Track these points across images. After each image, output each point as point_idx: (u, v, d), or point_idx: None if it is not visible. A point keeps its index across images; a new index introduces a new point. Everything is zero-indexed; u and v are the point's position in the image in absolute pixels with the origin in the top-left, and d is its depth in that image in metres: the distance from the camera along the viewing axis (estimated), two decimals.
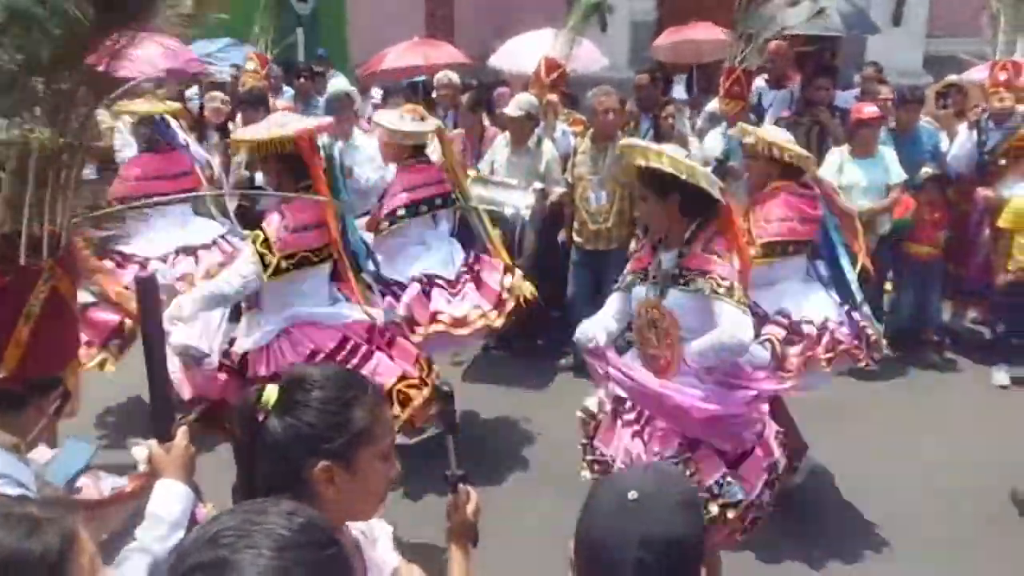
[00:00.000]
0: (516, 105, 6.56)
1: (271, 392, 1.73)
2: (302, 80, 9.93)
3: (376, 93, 9.76)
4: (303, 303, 4.12)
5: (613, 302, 3.75)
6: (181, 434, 2.21)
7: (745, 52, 6.44)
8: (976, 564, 4.30)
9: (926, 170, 6.79)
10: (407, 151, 5.32)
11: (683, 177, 3.32)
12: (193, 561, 1.21)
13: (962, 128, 7.23)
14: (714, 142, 6.91)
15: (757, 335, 3.92)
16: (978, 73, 8.17)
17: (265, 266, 3.93)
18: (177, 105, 6.75)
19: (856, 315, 4.66)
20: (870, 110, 6.68)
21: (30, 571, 1.34)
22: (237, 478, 1.79)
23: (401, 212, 5.15)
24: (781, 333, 4.40)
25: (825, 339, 4.45)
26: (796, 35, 8.30)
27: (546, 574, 4.14)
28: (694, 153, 6.70)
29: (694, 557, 1.59)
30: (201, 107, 8.38)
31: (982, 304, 7.26)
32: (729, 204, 3.47)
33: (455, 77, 8.62)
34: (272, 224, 3.99)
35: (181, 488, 2.11)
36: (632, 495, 1.56)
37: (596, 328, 3.61)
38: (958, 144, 7.11)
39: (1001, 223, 6.44)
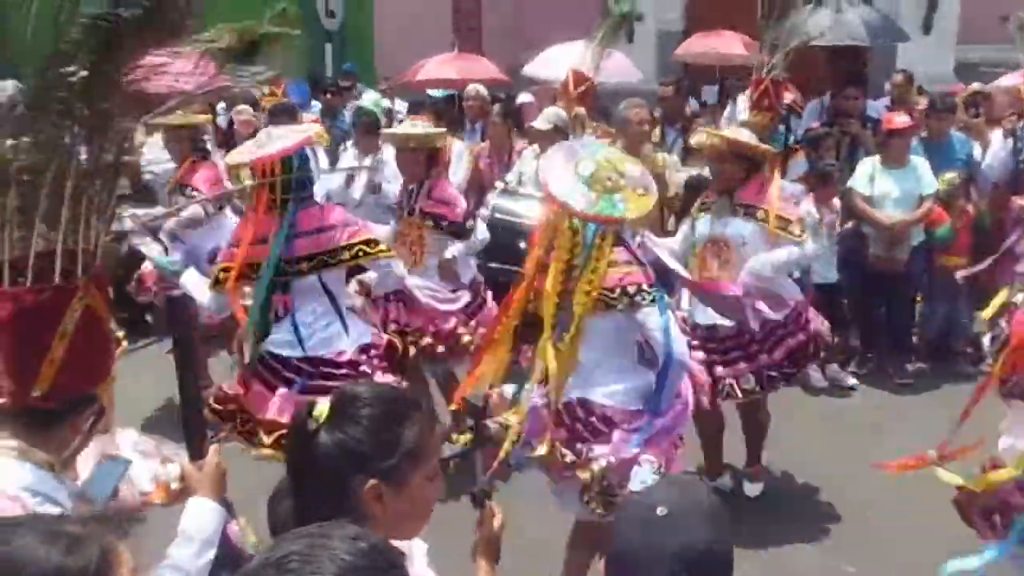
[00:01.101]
0: (544, 119, 6.57)
1: (323, 407, 1.75)
2: (329, 96, 10.00)
3: (401, 107, 9.81)
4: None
5: None
6: (213, 452, 2.23)
7: (772, 62, 6.40)
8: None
9: (952, 175, 6.68)
10: (423, 161, 5.25)
11: None
12: None
13: (996, 136, 7.15)
14: None
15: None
16: (1008, 80, 8.08)
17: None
18: (205, 116, 6.83)
19: None
20: (901, 119, 6.63)
21: None
22: (289, 492, 1.80)
23: None
24: None
25: None
26: (823, 45, 8.27)
27: None
28: None
29: (726, 567, 1.61)
30: (230, 122, 8.46)
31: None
32: None
33: (483, 90, 8.65)
34: None
35: (213, 505, 2.13)
36: (661, 510, 1.57)
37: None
38: (992, 153, 7.03)
39: None
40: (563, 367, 3.48)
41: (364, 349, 4.21)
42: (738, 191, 4.80)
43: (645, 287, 3.49)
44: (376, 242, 4.31)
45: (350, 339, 4.19)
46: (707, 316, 4.72)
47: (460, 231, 5.19)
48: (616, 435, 3.48)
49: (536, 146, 6.67)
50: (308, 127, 5.17)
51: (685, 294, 5.02)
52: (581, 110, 7.07)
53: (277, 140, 4.24)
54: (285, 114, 7.48)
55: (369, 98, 8.60)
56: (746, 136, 4.95)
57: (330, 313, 4.24)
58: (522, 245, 5.66)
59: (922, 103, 8.22)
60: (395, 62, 12.11)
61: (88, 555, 1.38)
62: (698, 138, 5.09)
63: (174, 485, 2.22)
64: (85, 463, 2.14)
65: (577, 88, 7.27)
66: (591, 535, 3.60)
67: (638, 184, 3.51)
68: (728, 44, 10.35)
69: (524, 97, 9.50)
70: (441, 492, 1.83)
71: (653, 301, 3.48)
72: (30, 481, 1.89)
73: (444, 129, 5.88)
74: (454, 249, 5.19)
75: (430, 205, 5.17)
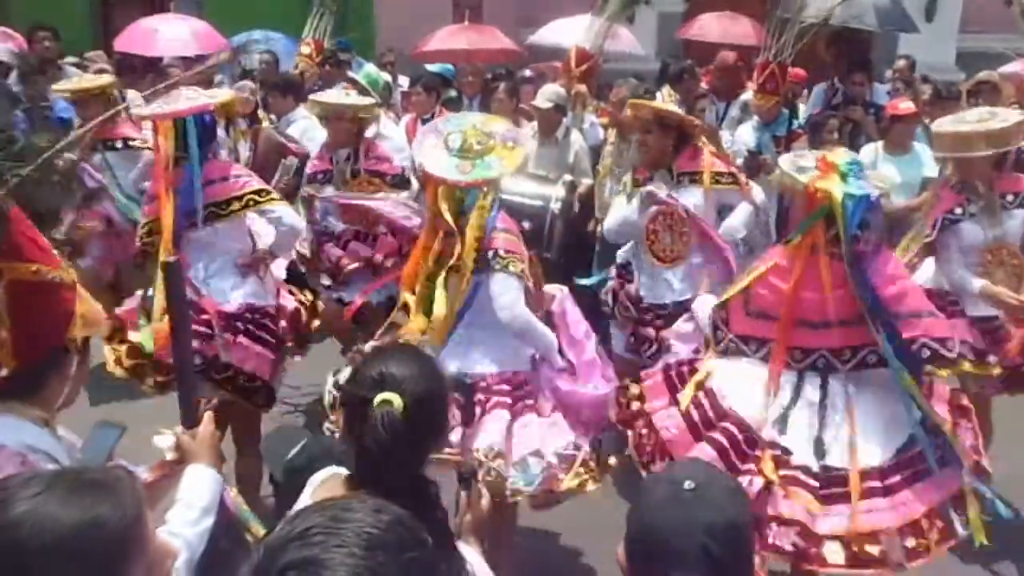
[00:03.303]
0: (544, 96, 6.49)
1: (395, 399, 1.78)
2: (327, 68, 9.88)
3: (404, 81, 9.72)
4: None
5: None
6: (207, 419, 2.20)
7: (778, 45, 6.35)
8: None
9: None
10: (355, 129, 5.45)
11: None
12: (284, 561, 1.18)
13: None
14: (746, 134, 6.81)
15: None
16: (1012, 67, 8.02)
17: None
18: (108, 79, 6.69)
19: None
20: (906, 106, 6.58)
21: (108, 536, 1.33)
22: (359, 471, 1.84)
23: None
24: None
25: None
26: (827, 30, 8.19)
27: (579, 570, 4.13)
28: (726, 144, 6.62)
29: (750, 541, 1.63)
30: None
31: None
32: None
33: (481, 66, 8.58)
34: None
35: (211, 473, 2.11)
36: (688, 485, 1.58)
37: None
38: None
39: None
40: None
41: (248, 309, 4.21)
42: (674, 163, 4.85)
43: (502, 252, 3.57)
44: (267, 191, 4.38)
45: (235, 296, 4.21)
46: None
47: (400, 183, 5.49)
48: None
49: (535, 124, 6.61)
50: (215, 92, 5.05)
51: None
52: (582, 88, 6.99)
53: (179, 102, 4.27)
54: (283, 90, 7.38)
55: (365, 72, 8.48)
56: (673, 106, 4.99)
57: (225, 268, 4.27)
58: (525, 225, 5.66)
59: (927, 92, 8.16)
60: (396, 37, 12.02)
61: (123, 502, 1.36)
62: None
63: (169, 456, 2.18)
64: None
65: (580, 66, 7.19)
66: None
67: (507, 138, 3.73)
68: (739, 29, 10.23)
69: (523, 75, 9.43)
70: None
71: (506, 268, 3.55)
72: (28, 438, 1.89)
73: (375, 100, 5.86)
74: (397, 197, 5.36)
75: (371, 164, 5.45)
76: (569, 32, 8.28)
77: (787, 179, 3.39)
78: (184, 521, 1.99)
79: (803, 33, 6.37)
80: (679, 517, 1.56)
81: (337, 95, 5.67)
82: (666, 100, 7.25)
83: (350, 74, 9.11)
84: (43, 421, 1.93)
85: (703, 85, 7.65)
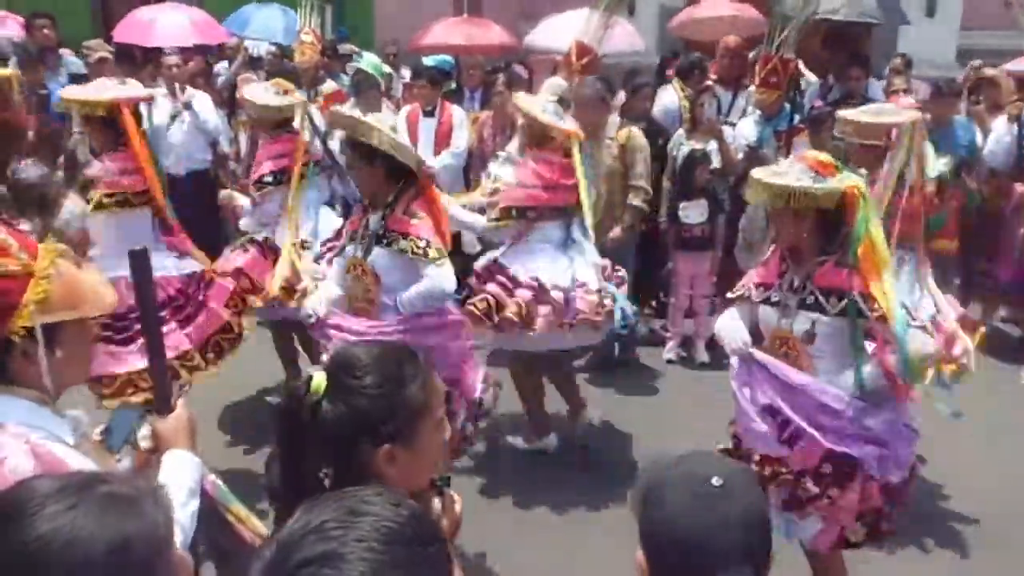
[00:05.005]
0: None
1: (320, 380, 1.71)
2: (326, 59, 9.87)
3: (405, 73, 9.71)
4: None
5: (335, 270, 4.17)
6: (181, 404, 2.19)
7: (781, 38, 6.30)
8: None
9: (945, 161, 6.60)
10: (275, 124, 5.48)
11: (386, 150, 3.75)
12: (301, 556, 1.14)
13: (1000, 122, 7.06)
14: (747, 128, 6.77)
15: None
16: (1012, 66, 8.00)
17: (88, 201, 4.35)
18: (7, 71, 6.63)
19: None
20: (905, 102, 6.53)
21: (139, 559, 1.25)
22: (280, 462, 1.76)
23: (268, 179, 5.35)
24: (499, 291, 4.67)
25: (573, 304, 4.68)
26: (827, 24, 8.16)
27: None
28: (728, 139, 6.60)
29: (771, 527, 1.61)
30: (234, 86, 8.30)
31: (1014, 302, 7.11)
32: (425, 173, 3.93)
33: (481, 58, 8.55)
34: (94, 168, 4.55)
35: (190, 456, 2.10)
36: (716, 481, 1.52)
37: (317, 301, 4.04)
38: (995, 138, 6.96)
39: None
40: None
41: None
42: None
43: None
44: None
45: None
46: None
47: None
48: None
49: None
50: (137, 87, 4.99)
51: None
52: None
53: (116, 90, 4.56)
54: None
55: (368, 60, 8.46)
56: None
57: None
58: None
59: (896, 83, 8.13)
60: (395, 27, 11.99)
61: (151, 516, 1.29)
62: None
63: (144, 444, 2.16)
64: None
65: (580, 59, 7.15)
66: None
67: None
68: (724, 9, 10.15)
69: (517, 68, 9.41)
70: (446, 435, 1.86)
71: None
72: (25, 416, 1.88)
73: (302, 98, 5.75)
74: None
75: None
76: (563, 32, 8.22)
77: (814, 191, 3.15)
78: (174, 504, 1.95)
79: (805, 28, 6.33)
80: (715, 516, 1.50)
81: (263, 96, 5.56)
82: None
83: (352, 64, 9.12)
84: (41, 400, 1.92)
85: (712, 76, 7.58)
